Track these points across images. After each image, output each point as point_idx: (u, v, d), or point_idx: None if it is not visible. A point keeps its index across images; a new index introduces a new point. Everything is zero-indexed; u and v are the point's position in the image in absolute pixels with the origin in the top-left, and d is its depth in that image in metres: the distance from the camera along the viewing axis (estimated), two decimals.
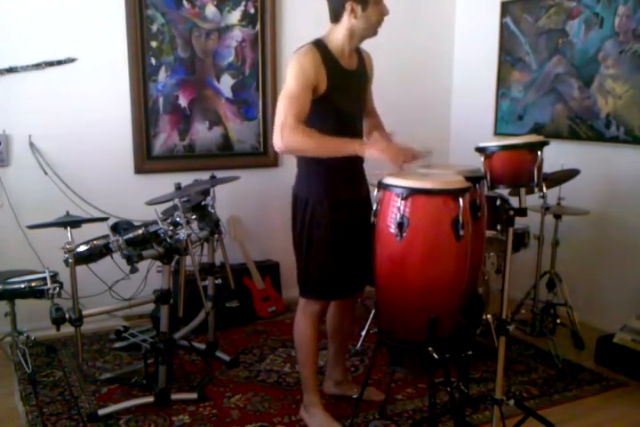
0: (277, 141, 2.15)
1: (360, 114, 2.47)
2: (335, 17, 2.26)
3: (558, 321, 3.36)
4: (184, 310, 2.69)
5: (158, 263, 2.65)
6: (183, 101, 3.67)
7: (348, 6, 2.20)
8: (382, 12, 2.26)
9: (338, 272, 2.37)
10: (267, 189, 3.93)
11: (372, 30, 2.28)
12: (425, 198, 2.10)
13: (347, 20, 2.23)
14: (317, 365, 2.56)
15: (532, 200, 2.96)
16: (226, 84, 3.76)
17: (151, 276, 2.78)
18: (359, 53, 2.41)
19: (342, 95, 2.28)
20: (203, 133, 3.75)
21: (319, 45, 2.25)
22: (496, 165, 2.19)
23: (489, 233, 2.86)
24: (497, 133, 4.15)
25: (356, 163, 2.39)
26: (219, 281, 3.43)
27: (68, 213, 2.70)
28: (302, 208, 2.35)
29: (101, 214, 3.34)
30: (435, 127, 4.44)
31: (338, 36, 2.27)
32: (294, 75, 2.18)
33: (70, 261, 2.42)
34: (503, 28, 4.04)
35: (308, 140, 2.14)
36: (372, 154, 2.14)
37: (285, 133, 2.12)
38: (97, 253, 2.59)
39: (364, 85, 2.47)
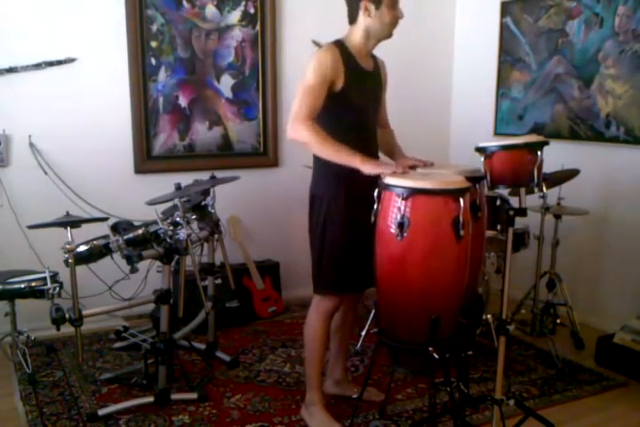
0: (289, 130, 2.27)
1: (375, 115, 2.51)
2: (352, 18, 2.37)
3: (558, 321, 3.36)
4: (184, 310, 2.69)
5: (158, 263, 2.65)
6: (183, 101, 3.67)
7: (362, 5, 2.31)
8: (396, 15, 2.35)
9: (350, 266, 2.39)
10: (267, 189, 3.93)
11: (386, 31, 2.36)
12: (425, 198, 2.10)
13: (362, 20, 2.34)
14: (324, 363, 2.57)
15: (532, 200, 2.96)
16: (226, 84, 3.76)
17: (151, 276, 2.79)
18: (375, 59, 2.50)
19: (359, 93, 2.35)
20: (203, 133, 3.75)
21: (339, 44, 2.34)
22: (496, 165, 2.19)
23: (489, 233, 2.85)
24: (497, 133, 4.15)
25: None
26: (219, 281, 3.43)
27: (68, 213, 2.70)
28: (318, 205, 2.40)
29: (101, 214, 3.34)
30: (435, 127, 4.44)
31: (355, 36, 2.37)
32: (313, 69, 2.26)
33: (70, 261, 2.41)
34: (503, 28, 4.05)
35: (314, 137, 2.23)
36: (369, 171, 2.17)
37: (296, 124, 2.24)
38: (97, 253, 2.59)
39: (380, 88, 2.55)
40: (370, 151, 2.37)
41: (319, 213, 2.40)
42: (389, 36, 2.39)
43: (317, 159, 2.42)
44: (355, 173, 2.33)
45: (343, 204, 2.36)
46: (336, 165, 2.30)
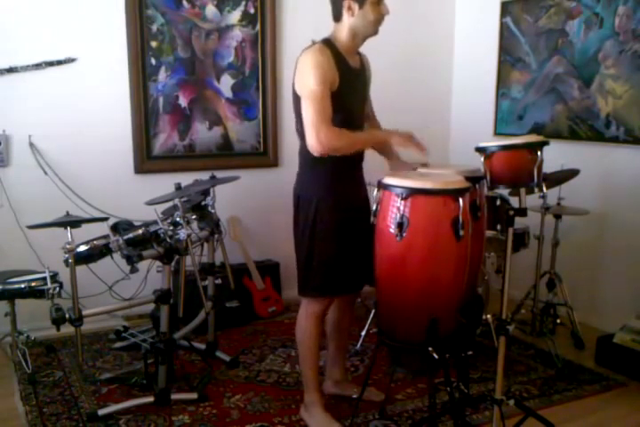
0: (315, 145, 2.18)
1: (362, 113, 2.50)
2: (336, 16, 2.32)
3: (558, 321, 3.36)
4: (184, 310, 2.69)
5: (158, 263, 2.65)
6: (183, 101, 3.67)
7: (345, 4, 2.25)
8: (381, 12, 2.28)
9: (339, 269, 2.37)
10: (267, 189, 3.92)
11: (371, 28, 2.30)
12: (425, 198, 2.10)
13: (346, 19, 2.28)
14: (319, 364, 2.57)
15: (532, 200, 2.96)
16: (226, 84, 3.76)
17: (151, 276, 2.78)
18: (360, 56, 2.46)
19: (350, 92, 2.33)
20: (203, 133, 3.75)
21: (329, 44, 2.29)
22: (496, 165, 2.19)
23: (489, 233, 2.85)
24: (497, 133, 4.15)
25: (356, 163, 2.44)
26: (219, 281, 3.42)
27: (68, 213, 2.70)
28: (306, 206, 2.36)
29: (101, 214, 3.34)
30: (435, 127, 4.44)
31: (341, 35, 2.32)
32: (312, 73, 2.19)
33: (70, 261, 2.42)
34: (503, 28, 4.04)
35: (347, 140, 2.24)
36: (396, 140, 2.32)
37: (324, 137, 2.17)
38: (97, 253, 2.59)
39: (366, 85, 2.52)
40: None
41: (307, 214, 2.35)
42: (375, 33, 2.33)
43: (303, 160, 2.40)
44: (341, 173, 2.33)
45: (332, 204, 2.33)
46: (323, 165, 2.29)
